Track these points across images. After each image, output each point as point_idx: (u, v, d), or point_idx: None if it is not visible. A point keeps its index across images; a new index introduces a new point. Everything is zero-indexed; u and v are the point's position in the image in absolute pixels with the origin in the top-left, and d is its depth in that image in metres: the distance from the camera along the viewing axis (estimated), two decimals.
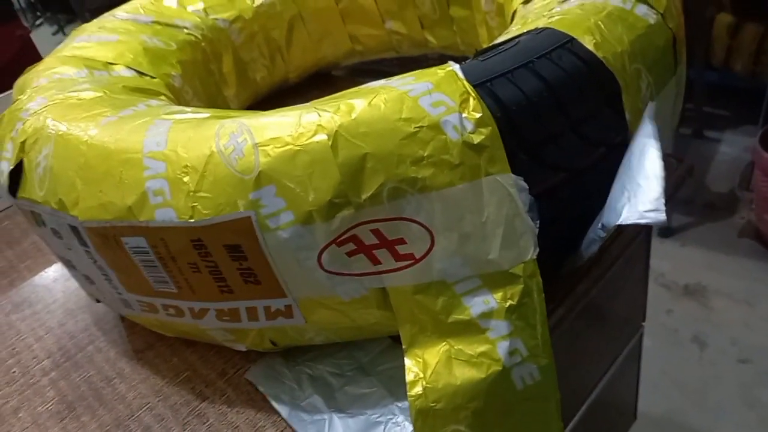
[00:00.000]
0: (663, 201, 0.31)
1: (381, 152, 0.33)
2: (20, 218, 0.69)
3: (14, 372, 0.48)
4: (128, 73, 0.54)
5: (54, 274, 0.59)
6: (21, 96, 0.49)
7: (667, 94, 0.42)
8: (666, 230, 1.67)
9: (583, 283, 0.43)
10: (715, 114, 1.94)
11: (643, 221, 0.31)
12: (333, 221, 0.33)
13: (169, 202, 0.35)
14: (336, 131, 0.33)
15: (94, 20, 0.63)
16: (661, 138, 0.43)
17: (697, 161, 1.89)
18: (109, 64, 0.55)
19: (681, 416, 1.27)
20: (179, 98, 0.58)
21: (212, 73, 0.67)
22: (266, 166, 0.33)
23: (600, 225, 0.35)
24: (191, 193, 0.34)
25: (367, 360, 0.42)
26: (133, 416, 0.42)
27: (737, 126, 1.95)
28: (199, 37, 0.65)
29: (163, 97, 0.52)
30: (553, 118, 0.36)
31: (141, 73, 0.55)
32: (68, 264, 0.46)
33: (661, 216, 0.31)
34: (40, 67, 0.54)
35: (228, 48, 0.69)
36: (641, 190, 0.32)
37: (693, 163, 0.52)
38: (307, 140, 0.33)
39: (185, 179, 0.35)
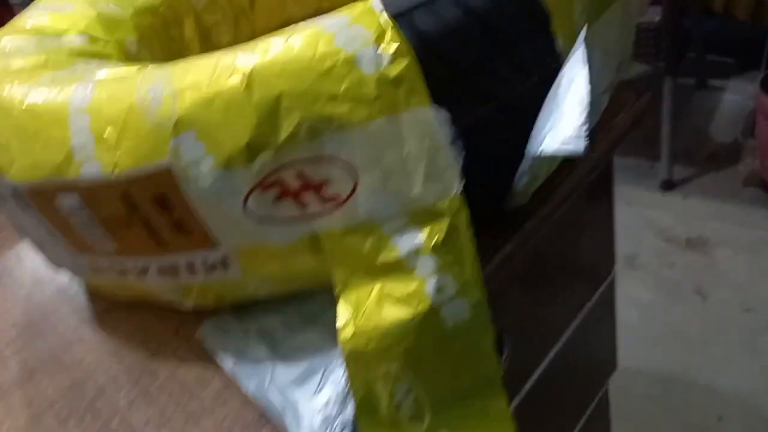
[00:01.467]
0: (584, 128, 0.30)
1: (296, 91, 0.32)
2: None
3: None
4: (80, 40, 0.54)
5: (24, 249, 0.59)
6: None
7: (611, 18, 0.41)
8: (667, 183, 1.64)
9: (532, 220, 0.42)
10: (719, 62, 1.89)
11: (562, 151, 0.30)
12: (254, 165, 0.33)
13: (93, 157, 0.35)
14: (250, 72, 0.32)
15: None
16: (609, 66, 0.42)
17: (700, 112, 1.85)
18: (60, 33, 0.54)
19: (683, 368, 1.26)
20: (136, 62, 0.58)
21: (173, 38, 0.66)
22: (183, 112, 0.33)
23: (527, 156, 0.34)
24: (113, 146, 0.34)
25: (316, 309, 0.42)
26: (88, 378, 0.43)
27: (742, 73, 1.90)
28: (158, 1, 0.64)
29: (113, 60, 0.52)
30: (478, 47, 0.35)
31: (94, 39, 0.55)
32: (23, 231, 0.46)
33: (581, 144, 0.30)
34: None
35: (189, 12, 0.68)
36: (565, 118, 0.31)
37: (652, 94, 0.50)
38: (222, 84, 0.33)
39: (107, 132, 0.34)
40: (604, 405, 0.74)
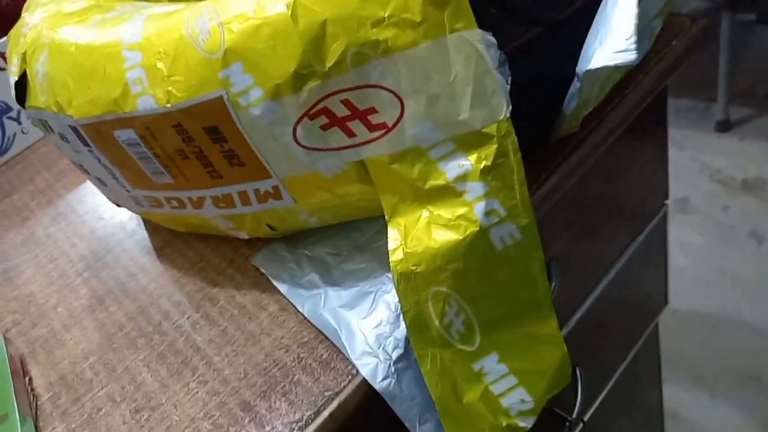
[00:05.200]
0: (634, 40, 0.29)
1: (340, 17, 0.32)
2: None
3: (53, 275, 0.53)
4: None
5: (86, 189, 0.62)
6: (25, 14, 0.51)
7: None
8: (723, 124, 1.58)
9: (579, 151, 0.42)
10: None
11: (612, 63, 0.30)
12: (301, 93, 0.34)
13: (147, 90, 0.36)
14: (294, 0, 0.33)
15: None
16: None
17: (761, 49, 1.75)
18: None
19: (736, 312, 1.24)
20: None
21: None
22: (231, 43, 0.33)
23: (576, 77, 0.33)
24: (166, 78, 0.35)
25: (364, 240, 0.43)
26: (153, 304, 0.46)
27: None
28: None
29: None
30: None
31: None
32: (82, 169, 0.48)
33: (631, 56, 0.29)
34: None
35: None
36: (613, 32, 0.31)
37: (708, 23, 0.48)
38: (267, 12, 0.33)
39: (159, 65, 0.36)
40: (653, 341, 0.74)
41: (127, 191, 0.45)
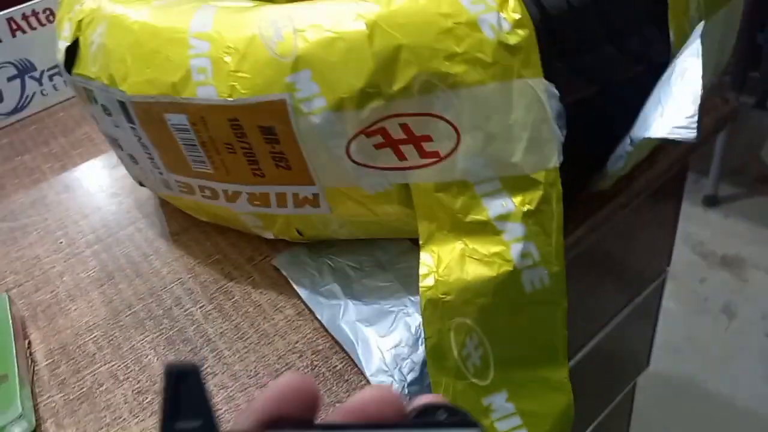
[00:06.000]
0: (696, 119, 0.31)
1: (416, 44, 0.33)
2: (74, 110, 0.72)
3: (61, 242, 0.52)
4: None
5: (103, 162, 0.62)
6: None
7: (715, 24, 0.41)
8: (711, 199, 1.63)
9: (607, 208, 0.44)
10: None
11: (671, 136, 0.31)
12: (363, 110, 0.34)
13: (210, 81, 0.37)
14: (374, 21, 0.34)
15: None
16: (707, 66, 0.42)
17: (755, 132, 1.82)
18: None
19: (699, 382, 1.27)
20: None
21: None
22: (304, 51, 0.34)
23: (629, 140, 0.35)
24: (231, 73, 0.36)
25: (387, 259, 0.44)
26: (165, 288, 0.46)
27: None
28: None
29: None
30: (594, 29, 0.35)
31: None
32: (115, 143, 0.48)
33: (691, 134, 0.31)
34: None
35: None
36: (676, 105, 0.32)
37: (738, 105, 0.50)
38: (345, 28, 0.34)
39: (227, 59, 0.36)
40: (628, 400, 0.76)
41: (160, 173, 0.45)
